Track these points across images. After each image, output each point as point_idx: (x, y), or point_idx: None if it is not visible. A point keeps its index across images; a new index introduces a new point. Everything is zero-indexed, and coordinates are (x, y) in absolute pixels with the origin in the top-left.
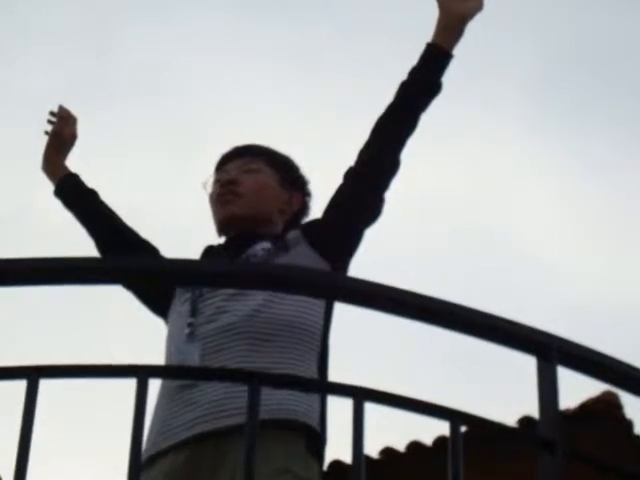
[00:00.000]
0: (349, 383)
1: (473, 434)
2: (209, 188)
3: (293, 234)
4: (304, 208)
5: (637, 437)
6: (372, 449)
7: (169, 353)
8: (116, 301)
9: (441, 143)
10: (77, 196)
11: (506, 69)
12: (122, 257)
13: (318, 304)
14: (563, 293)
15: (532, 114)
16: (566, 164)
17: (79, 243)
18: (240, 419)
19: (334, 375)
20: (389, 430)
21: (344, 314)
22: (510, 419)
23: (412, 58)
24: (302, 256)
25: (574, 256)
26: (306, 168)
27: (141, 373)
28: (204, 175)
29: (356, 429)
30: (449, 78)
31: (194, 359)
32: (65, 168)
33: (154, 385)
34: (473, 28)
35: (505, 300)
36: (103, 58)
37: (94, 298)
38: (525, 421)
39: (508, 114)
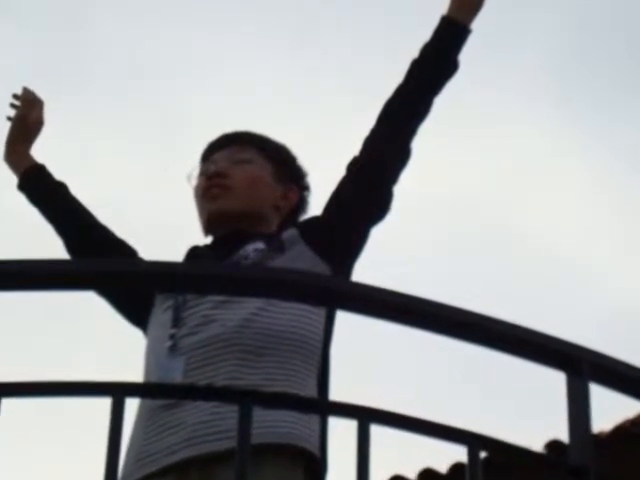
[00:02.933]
0: (353, 402)
1: (494, 461)
2: (194, 181)
3: (289, 233)
4: (302, 204)
5: None
6: (379, 478)
7: (148, 369)
8: (88, 309)
9: (456, 130)
10: (43, 190)
11: (527, 42)
12: (95, 259)
13: (318, 313)
14: (596, 299)
15: (559, 96)
16: (599, 152)
17: (47, 243)
18: (230, 443)
19: (336, 393)
20: (398, 456)
21: (347, 324)
22: (536, 443)
23: (425, 34)
24: (300, 258)
25: (611, 258)
26: (304, 159)
27: (117, 392)
28: (189, 167)
29: (361, 455)
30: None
31: (177, 375)
32: (30, 158)
33: (131, 405)
34: None
35: (530, 309)
36: (76, 35)
37: (63, 305)
38: (553, 445)
39: (531, 96)
